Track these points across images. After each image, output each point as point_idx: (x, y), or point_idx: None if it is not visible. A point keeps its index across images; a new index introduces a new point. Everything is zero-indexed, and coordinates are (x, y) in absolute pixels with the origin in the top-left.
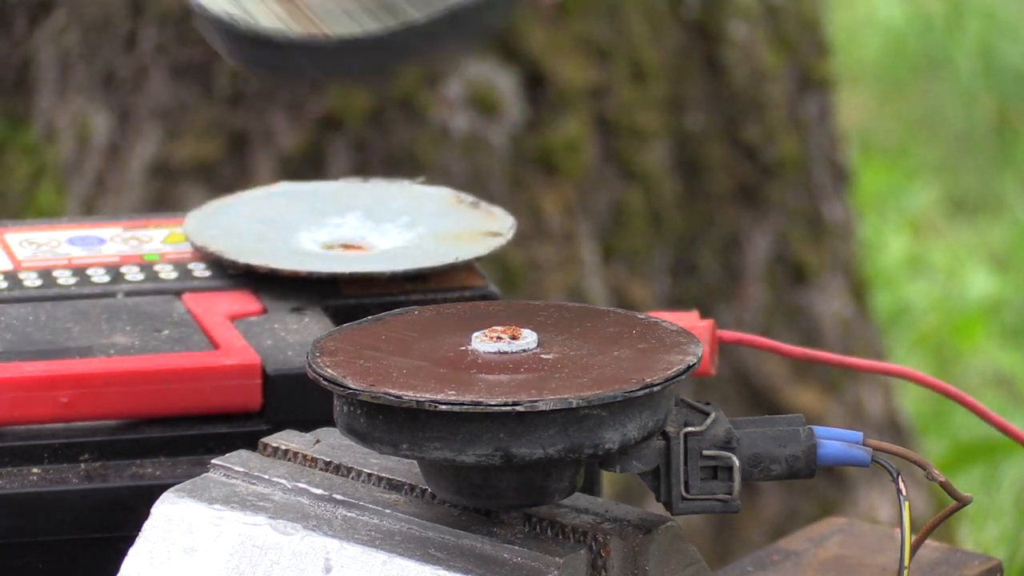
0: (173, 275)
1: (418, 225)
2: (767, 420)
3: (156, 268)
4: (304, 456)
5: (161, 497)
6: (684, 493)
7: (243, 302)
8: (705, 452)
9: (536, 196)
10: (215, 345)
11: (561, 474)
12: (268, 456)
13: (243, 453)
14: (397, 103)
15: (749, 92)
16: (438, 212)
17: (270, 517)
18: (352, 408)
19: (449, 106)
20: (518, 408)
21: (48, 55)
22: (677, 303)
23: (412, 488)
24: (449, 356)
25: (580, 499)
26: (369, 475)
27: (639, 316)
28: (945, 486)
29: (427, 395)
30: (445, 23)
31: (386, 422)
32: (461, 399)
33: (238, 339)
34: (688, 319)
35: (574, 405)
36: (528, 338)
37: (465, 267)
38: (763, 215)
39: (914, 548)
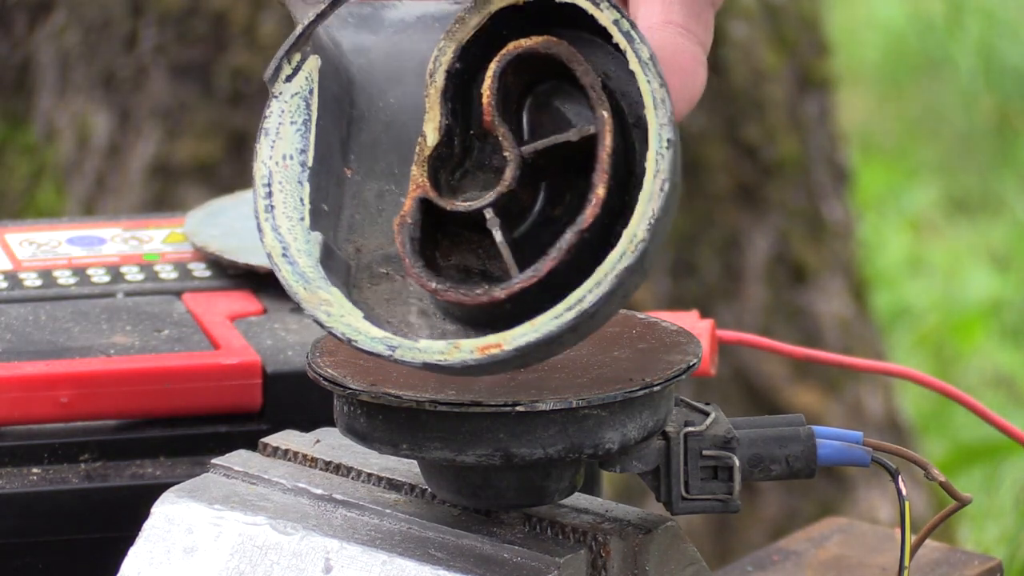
0: (173, 275)
1: None
2: (767, 420)
3: (156, 268)
4: (304, 456)
5: (161, 497)
6: (684, 493)
7: (243, 302)
8: (705, 452)
9: None
10: (215, 345)
11: (561, 474)
12: (268, 456)
13: (243, 453)
14: None
15: (749, 92)
16: None
17: (270, 517)
18: (352, 408)
19: None
20: (518, 408)
21: (48, 55)
22: (677, 303)
23: (412, 488)
24: None
25: (580, 499)
26: (369, 475)
27: (639, 316)
28: (945, 486)
29: (427, 395)
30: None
31: (386, 422)
32: (461, 399)
33: (238, 339)
34: (688, 319)
35: (574, 405)
36: None
37: None
38: (763, 215)
39: (914, 548)
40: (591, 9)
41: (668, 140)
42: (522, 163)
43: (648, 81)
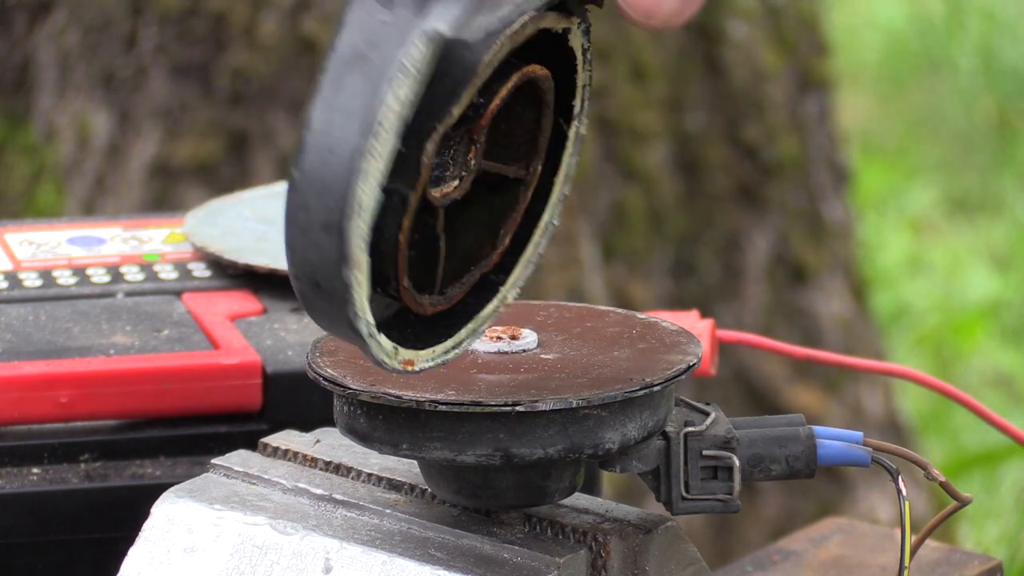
0: (173, 275)
1: None
2: (767, 420)
3: (156, 268)
4: (304, 456)
5: (161, 497)
6: (684, 493)
7: (243, 302)
8: (705, 452)
9: None
10: (215, 345)
11: (561, 474)
12: (268, 456)
13: (243, 453)
14: None
15: (749, 92)
16: None
17: (270, 517)
18: (352, 408)
19: None
20: (518, 408)
21: (48, 55)
22: (677, 303)
23: (412, 488)
24: None
25: (580, 499)
26: (369, 475)
27: (639, 316)
28: (945, 486)
29: (427, 395)
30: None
31: (386, 422)
32: (461, 399)
33: (238, 339)
34: (688, 319)
35: (574, 405)
36: (528, 338)
37: None
38: (763, 215)
39: (914, 548)
40: (580, 63)
41: (556, 223)
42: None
43: (572, 155)
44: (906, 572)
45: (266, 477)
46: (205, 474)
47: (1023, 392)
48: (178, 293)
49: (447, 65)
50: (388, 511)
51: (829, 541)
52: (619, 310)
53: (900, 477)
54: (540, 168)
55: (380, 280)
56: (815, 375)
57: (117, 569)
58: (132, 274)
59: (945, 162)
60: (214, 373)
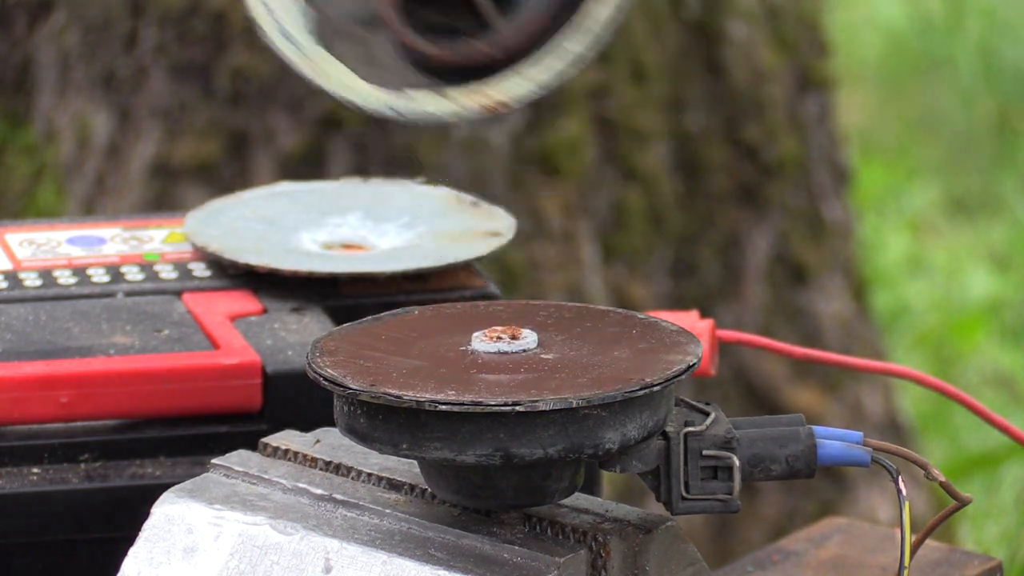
0: (173, 275)
1: (418, 225)
2: (767, 420)
3: (156, 268)
4: (304, 456)
5: (161, 497)
6: (684, 493)
7: (243, 302)
8: (705, 452)
9: (536, 196)
10: (215, 345)
11: (561, 474)
12: (268, 456)
13: (243, 453)
14: None
15: (749, 92)
16: (438, 212)
17: (270, 517)
18: (352, 408)
19: None
20: (518, 408)
21: (48, 55)
22: (677, 303)
23: (412, 488)
24: (449, 356)
25: (580, 499)
26: (369, 475)
27: (639, 316)
28: (945, 486)
29: (427, 395)
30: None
31: (386, 422)
32: (461, 399)
33: (238, 339)
34: (688, 319)
35: (574, 405)
36: (528, 338)
37: (465, 267)
38: (763, 215)
39: (914, 548)
40: None
41: None
42: None
43: None
44: (906, 572)
45: (266, 477)
46: (205, 474)
47: (1023, 392)
48: (178, 293)
49: None
50: (388, 511)
51: (829, 541)
52: (619, 310)
53: (900, 477)
54: None
55: None
56: (815, 375)
57: (117, 569)
58: (132, 274)
59: (945, 162)
60: (214, 373)
